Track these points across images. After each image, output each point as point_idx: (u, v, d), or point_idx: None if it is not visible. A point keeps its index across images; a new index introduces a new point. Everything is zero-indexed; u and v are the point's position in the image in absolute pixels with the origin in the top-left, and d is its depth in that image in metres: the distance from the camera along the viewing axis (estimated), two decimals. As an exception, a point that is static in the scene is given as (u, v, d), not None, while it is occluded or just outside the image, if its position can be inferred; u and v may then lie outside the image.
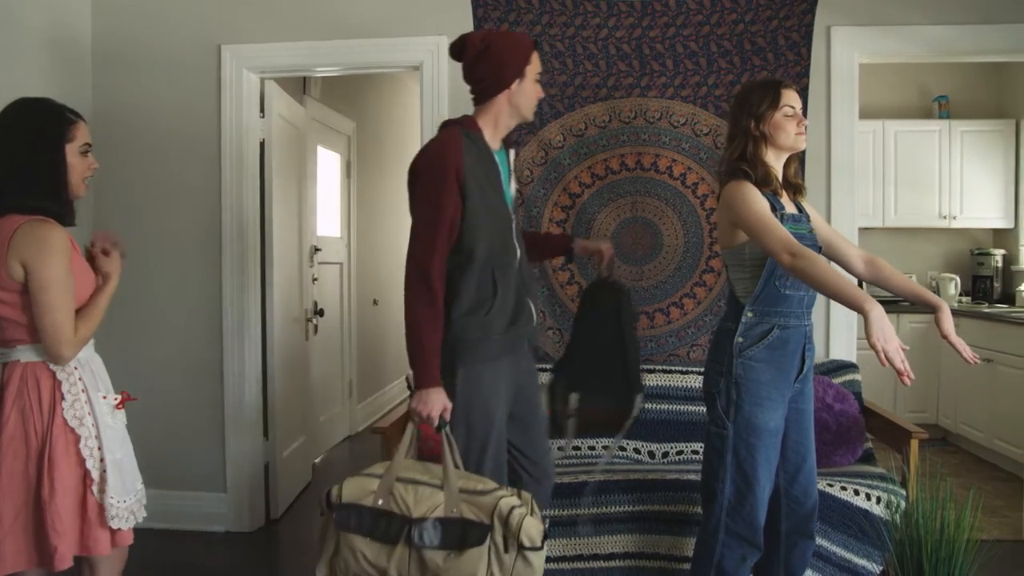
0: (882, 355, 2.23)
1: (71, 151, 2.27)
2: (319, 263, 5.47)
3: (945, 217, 6.19)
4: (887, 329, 2.24)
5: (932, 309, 2.58)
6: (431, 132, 4.05)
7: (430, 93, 4.04)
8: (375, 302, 6.85)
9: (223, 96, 4.15)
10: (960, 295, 6.19)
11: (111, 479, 2.22)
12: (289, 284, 4.65)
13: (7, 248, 2.14)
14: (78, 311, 2.24)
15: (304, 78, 5.31)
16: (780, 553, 2.79)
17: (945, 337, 2.52)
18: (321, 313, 5.25)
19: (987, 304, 6.02)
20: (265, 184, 4.30)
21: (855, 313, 2.84)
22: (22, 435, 2.16)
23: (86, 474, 2.21)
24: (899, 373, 2.25)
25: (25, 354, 2.21)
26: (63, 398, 2.19)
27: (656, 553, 3.10)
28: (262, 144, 4.29)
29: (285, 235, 4.57)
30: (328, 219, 5.96)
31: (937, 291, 6.18)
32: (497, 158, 2.58)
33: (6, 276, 2.15)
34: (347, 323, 6.23)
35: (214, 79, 4.17)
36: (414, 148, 6.43)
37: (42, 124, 2.24)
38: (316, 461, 5.45)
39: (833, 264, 2.69)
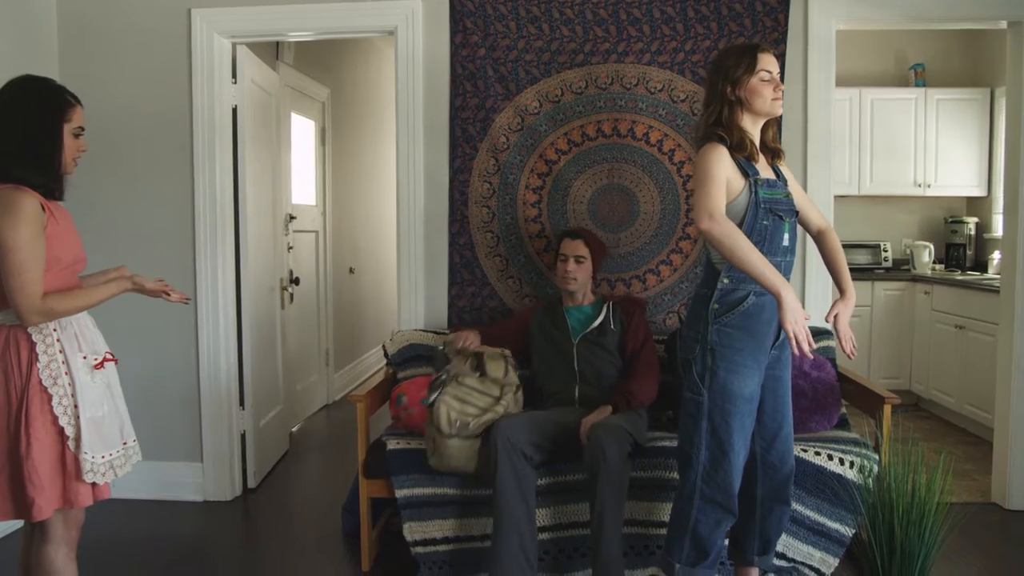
0: (792, 340, 2.42)
1: (66, 131, 2.39)
2: (294, 231, 5.43)
3: (920, 185, 6.22)
4: (798, 315, 2.42)
5: (841, 293, 2.77)
6: (406, 98, 4.01)
7: (405, 59, 3.99)
8: (351, 270, 6.82)
9: (194, 62, 4.08)
10: (934, 262, 6.25)
11: (86, 436, 2.32)
12: (264, 253, 4.61)
13: None
14: (65, 289, 2.35)
15: (277, 43, 5.23)
16: (756, 518, 2.82)
17: (832, 321, 2.71)
18: (297, 282, 5.23)
19: (960, 272, 6.07)
20: (238, 152, 4.24)
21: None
22: (4, 394, 2.28)
23: (61, 431, 2.31)
24: (802, 353, 2.44)
25: (9, 317, 2.32)
26: (38, 359, 2.30)
27: (632, 519, 3.13)
28: (234, 111, 4.22)
29: (259, 203, 4.52)
30: (303, 187, 5.90)
31: (911, 259, 6.23)
32: None
33: None
34: (323, 292, 6.20)
35: (184, 44, 4.09)
36: (390, 114, 6.35)
37: (43, 101, 2.37)
38: (293, 430, 5.45)
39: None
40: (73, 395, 2.32)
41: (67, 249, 2.38)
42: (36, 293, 2.24)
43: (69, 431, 2.31)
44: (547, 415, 3.23)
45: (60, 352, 2.33)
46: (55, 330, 2.34)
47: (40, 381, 2.28)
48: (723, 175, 2.53)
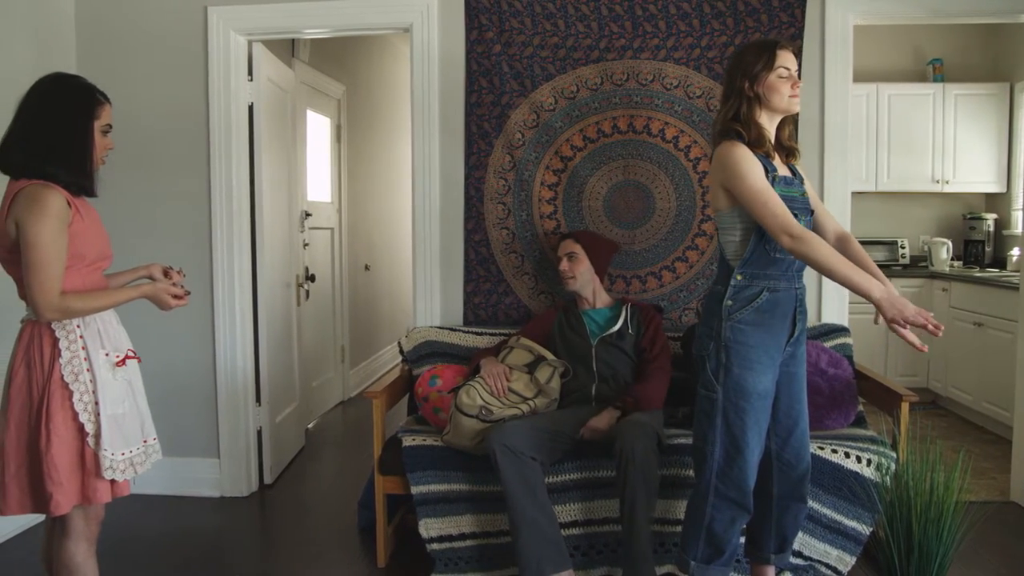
0: (905, 330, 2.32)
1: (96, 129, 2.41)
2: (310, 228, 5.45)
3: (938, 181, 6.18)
4: (898, 303, 2.34)
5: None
6: (422, 95, 4.01)
7: (420, 55, 3.99)
8: (367, 267, 6.83)
9: (210, 60, 4.10)
10: (952, 259, 6.20)
11: (106, 432, 2.32)
12: (280, 250, 4.63)
13: (7, 210, 2.27)
14: (87, 287, 2.37)
15: (292, 41, 5.24)
16: (772, 516, 2.81)
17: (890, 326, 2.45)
18: (312, 279, 5.24)
19: (978, 268, 6.03)
20: (254, 149, 4.25)
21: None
22: (27, 388, 2.30)
23: (82, 427, 2.31)
24: (934, 329, 2.33)
25: (34, 313, 2.33)
26: (60, 355, 2.30)
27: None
28: (251, 108, 4.24)
29: (275, 200, 4.53)
30: (319, 184, 5.92)
31: (929, 256, 6.19)
32: None
33: (5, 235, 2.28)
34: (339, 289, 6.21)
35: (201, 42, 4.11)
36: (405, 111, 6.33)
37: (73, 99, 2.39)
38: (309, 426, 5.47)
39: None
40: (94, 392, 2.33)
41: (91, 246, 2.39)
42: (54, 290, 2.24)
43: (89, 428, 2.31)
44: (547, 421, 3.20)
45: (82, 348, 2.34)
46: (78, 327, 2.34)
47: (61, 377, 2.29)
48: (764, 180, 2.51)
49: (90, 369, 2.34)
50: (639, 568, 2.89)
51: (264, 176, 4.31)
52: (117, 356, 2.42)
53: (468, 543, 3.24)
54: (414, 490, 3.22)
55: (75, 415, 2.30)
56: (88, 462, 2.32)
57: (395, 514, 3.60)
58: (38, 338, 2.31)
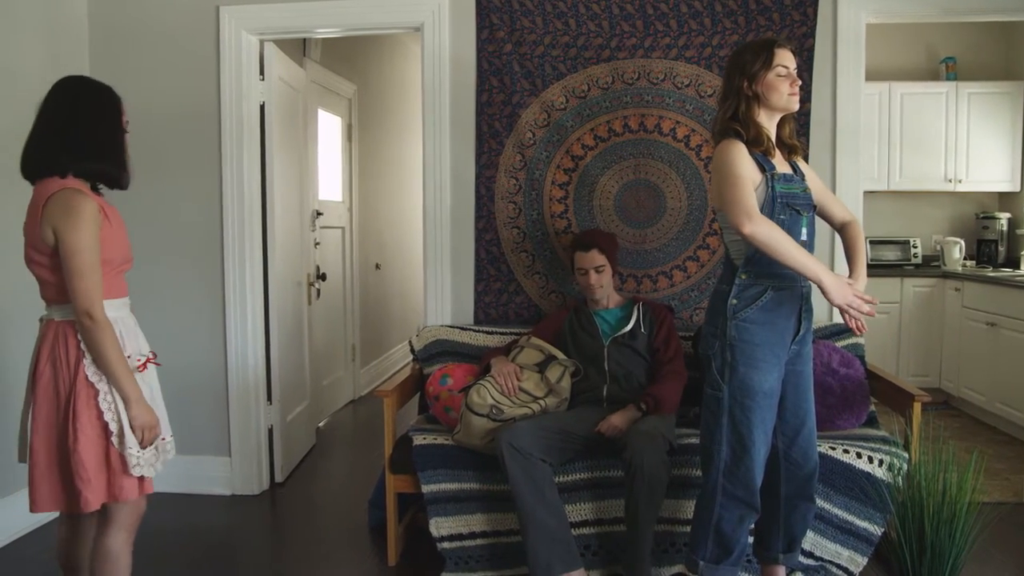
0: (849, 311, 2.49)
1: (123, 124, 2.50)
2: (321, 227, 5.46)
3: (951, 180, 6.14)
4: (844, 289, 2.48)
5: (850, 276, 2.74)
6: (433, 94, 4.02)
7: (431, 55, 4.00)
8: (377, 266, 6.84)
9: (222, 59, 4.11)
10: (965, 259, 6.17)
11: (128, 432, 2.34)
12: (291, 248, 4.64)
13: (40, 214, 2.30)
14: (110, 289, 2.39)
15: (303, 40, 5.25)
16: (780, 516, 2.81)
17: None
18: (323, 277, 5.26)
19: (991, 268, 5.99)
20: (266, 148, 4.26)
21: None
22: (53, 386, 2.33)
23: (106, 426, 2.33)
24: (867, 312, 2.50)
25: (57, 313, 2.37)
26: (85, 354, 2.32)
27: (659, 517, 3.11)
28: (262, 108, 4.25)
29: (286, 200, 4.55)
30: (330, 183, 5.93)
31: (942, 255, 6.16)
32: None
33: (40, 240, 2.31)
34: (350, 287, 6.23)
35: (212, 42, 4.12)
36: (416, 110, 6.32)
37: (102, 96, 2.47)
38: (320, 425, 5.48)
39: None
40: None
41: (117, 251, 2.42)
42: (99, 294, 2.28)
43: (113, 427, 2.33)
44: (557, 421, 3.20)
45: None
46: None
47: (87, 376, 2.31)
48: (748, 173, 2.53)
49: None
50: (637, 571, 2.94)
51: (275, 175, 4.32)
52: (139, 359, 2.44)
53: (479, 542, 3.24)
54: (425, 489, 3.23)
55: (100, 414, 2.32)
56: (113, 460, 2.34)
57: (406, 513, 3.61)
58: (63, 337, 2.33)
